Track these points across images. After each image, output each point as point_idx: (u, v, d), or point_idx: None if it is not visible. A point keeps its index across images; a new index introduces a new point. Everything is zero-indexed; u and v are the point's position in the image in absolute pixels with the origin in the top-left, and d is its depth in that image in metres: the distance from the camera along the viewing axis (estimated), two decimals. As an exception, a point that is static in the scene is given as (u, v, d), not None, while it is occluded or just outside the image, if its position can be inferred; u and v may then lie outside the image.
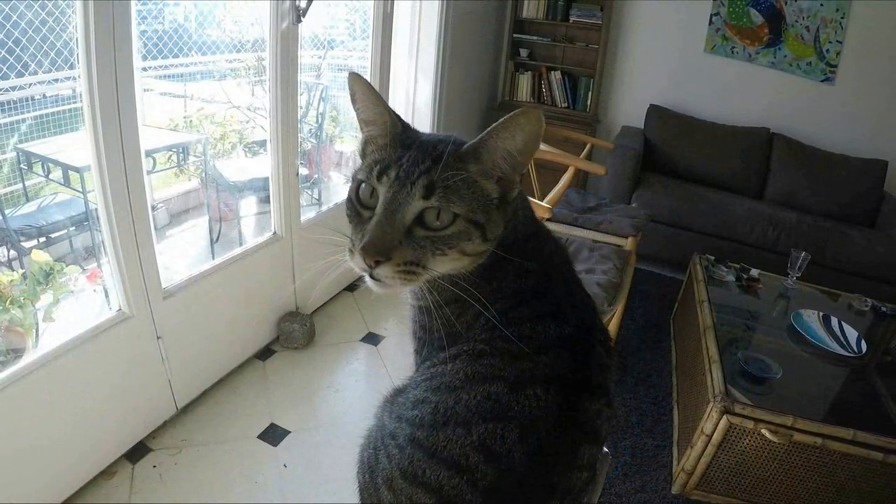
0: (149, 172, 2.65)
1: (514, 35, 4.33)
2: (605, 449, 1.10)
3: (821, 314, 2.50)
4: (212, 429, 2.03)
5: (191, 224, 3.09)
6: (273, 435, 2.03)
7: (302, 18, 2.17)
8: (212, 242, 2.89)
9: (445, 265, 0.72)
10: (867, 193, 3.93)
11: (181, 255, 2.87)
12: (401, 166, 0.70)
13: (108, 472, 1.80)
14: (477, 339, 0.74)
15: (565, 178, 2.27)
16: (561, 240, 0.85)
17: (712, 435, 1.82)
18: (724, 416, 1.78)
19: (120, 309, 1.78)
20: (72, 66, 1.66)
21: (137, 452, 1.90)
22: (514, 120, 0.67)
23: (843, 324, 2.45)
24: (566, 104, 4.41)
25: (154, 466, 1.86)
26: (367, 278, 0.72)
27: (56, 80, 1.98)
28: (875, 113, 4.06)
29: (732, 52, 4.17)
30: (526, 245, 0.79)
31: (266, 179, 2.38)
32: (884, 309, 2.78)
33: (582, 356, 0.73)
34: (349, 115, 3.34)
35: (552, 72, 4.35)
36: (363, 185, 0.74)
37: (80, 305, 2.04)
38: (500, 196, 0.73)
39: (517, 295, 0.76)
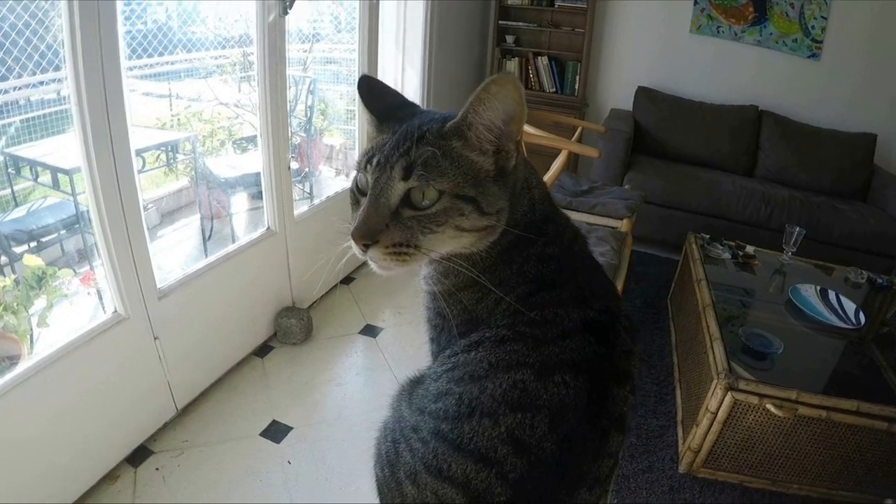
0: (139, 172, 2.62)
1: (500, 22, 4.31)
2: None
3: (818, 288, 2.50)
4: (213, 428, 2.01)
5: (183, 223, 3.06)
6: (275, 432, 2.01)
7: (288, 10, 2.14)
8: (204, 241, 2.87)
9: (444, 244, 0.71)
10: (857, 167, 3.95)
11: (174, 254, 2.84)
12: (383, 152, 0.70)
13: (110, 477, 1.79)
14: (499, 324, 0.72)
15: (558, 162, 2.27)
16: (579, 227, 0.83)
17: (717, 412, 1.82)
18: (729, 393, 1.79)
19: (115, 311, 1.76)
20: (57, 68, 1.64)
21: (139, 455, 1.88)
22: (486, 90, 0.66)
23: (841, 297, 2.46)
24: (554, 89, 4.40)
25: (157, 469, 1.84)
26: (370, 261, 0.72)
27: (41, 83, 1.94)
28: (862, 87, 4.07)
29: (718, 31, 4.16)
30: (545, 227, 0.77)
31: (257, 175, 2.36)
32: (880, 280, 2.79)
33: (607, 342, 0.71)
34: (337, 107, 3.31)
35: (539, 57, 4.33)
36: (359, 174, 0.75)
37: (75, 309, 2.01)
38: (497, 168, 0.71)
39: (539, 279, 0.74)
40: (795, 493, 1.98)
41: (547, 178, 2.22)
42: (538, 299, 0.72)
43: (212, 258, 2.12)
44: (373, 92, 0.83)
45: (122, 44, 1.59)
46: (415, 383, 0.82)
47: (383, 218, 0.68)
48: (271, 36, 2.12)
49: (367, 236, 0.68)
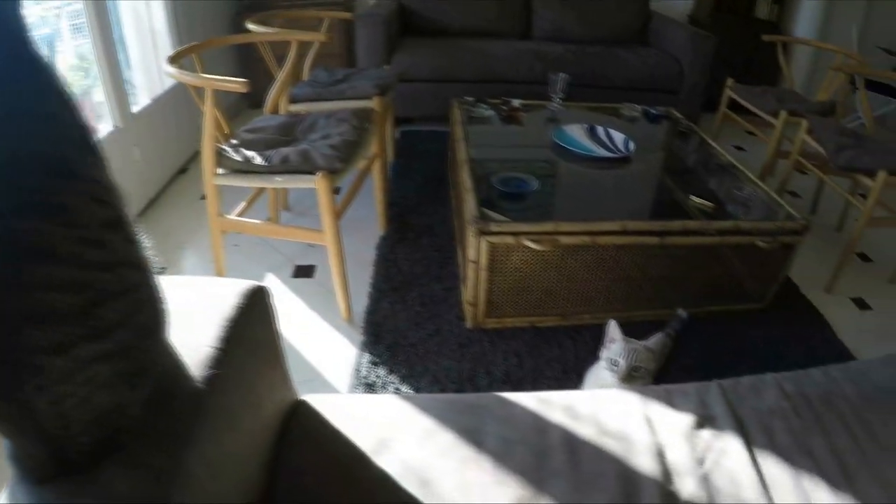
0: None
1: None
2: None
3: (585, 126, 2.56)
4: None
5: None
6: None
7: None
8: None
9: None
10: (635, 15, 4.07)
11: None
12: None
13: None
14: None
15: (291, 56, 2.18)
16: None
17: (479, 260, 1.82)
18: (482, 238, 1.77)
19: None
20: None
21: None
22: None
23: (610, 130, 2.53)
24: (317, -11, 4.11)
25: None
26: None
27: None
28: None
29: None
30: None
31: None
32: (654, 112, 2.92)
33: None
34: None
35: (293, -42, 4.01)
36: None
37: None
38: None
39: None
40: (590, 322, 2.01)
41: (282, 74, 2.14)
42: None
43: None
44: None
45: None
46: None
47: None
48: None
49: None
